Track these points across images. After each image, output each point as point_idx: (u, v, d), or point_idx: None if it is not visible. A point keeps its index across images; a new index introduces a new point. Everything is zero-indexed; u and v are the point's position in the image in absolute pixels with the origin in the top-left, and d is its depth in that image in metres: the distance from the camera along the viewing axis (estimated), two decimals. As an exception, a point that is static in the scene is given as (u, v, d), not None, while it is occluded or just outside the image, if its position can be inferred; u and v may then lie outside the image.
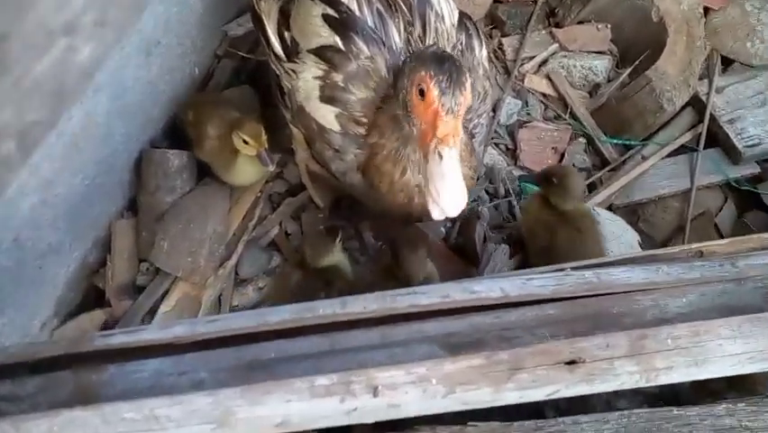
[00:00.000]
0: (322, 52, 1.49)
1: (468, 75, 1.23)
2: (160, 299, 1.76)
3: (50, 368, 1.02)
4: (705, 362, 0.97)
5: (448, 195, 1.15)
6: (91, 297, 1.84)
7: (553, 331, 1.04)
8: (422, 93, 1.20)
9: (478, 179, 1.98)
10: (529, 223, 1.75)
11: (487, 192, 2.03)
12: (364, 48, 1.47)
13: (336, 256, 1.64)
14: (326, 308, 1.08)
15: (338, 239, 1.62)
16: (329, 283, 1.58)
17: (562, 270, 1.17)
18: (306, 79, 1.52)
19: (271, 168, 1.74)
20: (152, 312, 1.75)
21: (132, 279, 1.81)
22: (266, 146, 1.70)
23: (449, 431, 1.03)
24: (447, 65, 1.22)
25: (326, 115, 1.50)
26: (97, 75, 1.48)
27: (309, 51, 1.52)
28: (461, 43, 1.56)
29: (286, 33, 1.59)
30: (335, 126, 1.49)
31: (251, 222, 1.86)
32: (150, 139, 1.87)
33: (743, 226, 2.01)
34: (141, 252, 1.80)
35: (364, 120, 1.46)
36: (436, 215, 1.18)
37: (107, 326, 1.77)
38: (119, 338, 1.07)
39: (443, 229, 1.93)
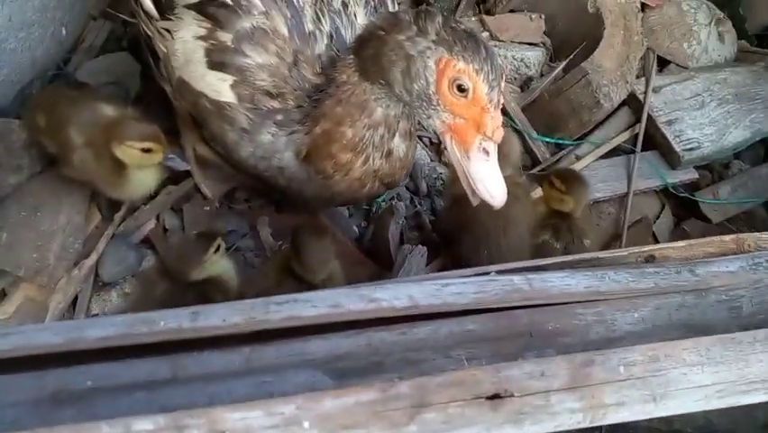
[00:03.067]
0: (203, 7, 1.22)
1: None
2: (-5, 304, 1.42)
3: None
4: (665, 397, 0.74)
5: (498, 190, 1.05)
6: None
7: (472, 353, 0.80)
8: (461, 89, 1.02)
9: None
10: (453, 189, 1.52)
11: (407, 189, 1.78)
12: (257, 1, 1.21)
13: (214, 267, 1.34)
14: (170, 321, 0.79)
15: (214, 248, 1.31)
16: (205, 297, 1.28)
17: (485, 273, 0.92)
18: (185, 40, 1.25)
19: (187, 167, 1.42)
20: (-17, 321, 1.41)
21: (-36, 280, 1.46)
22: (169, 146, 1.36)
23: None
24: (485, 50, 1.02)
25: (216, 85, 1.23)
26: None
27: (187, 7, 1.24)
28: (375, 0, 1.32)
29: None
30: (231, 99, 1.22)
31: (119, 213, 1.53)
32: (-3, 108, 1.53)
33: (683, 235, 1.85)
34: (-25, 245, 1.45)
35: (274, 91, 1.22)
36: (476, 202, 1.10)
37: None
38: None
39: (355, 229, 1.68)
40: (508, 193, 1.39)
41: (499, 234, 1.42)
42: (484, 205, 1.16)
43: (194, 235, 1.32)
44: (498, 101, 1.05)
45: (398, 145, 1.24)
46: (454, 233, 1.52)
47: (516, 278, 0.89)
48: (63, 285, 1.44)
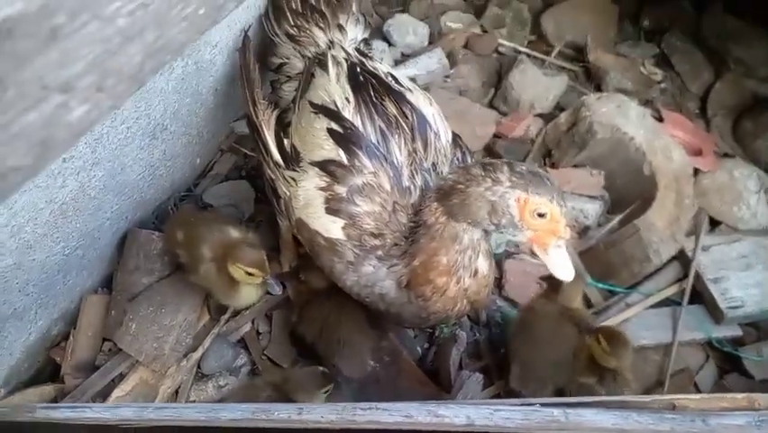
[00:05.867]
0: (325, 165, 1.53)
1: None
2: (116, 382, 1.69)
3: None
4: None
5: (570, 271, 1.37)
6: (47, 371, 1.77)
7: (514, 468, 1.00)
8: (541, 215, 1.32)
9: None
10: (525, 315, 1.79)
11: (468, 318, 2.00)
12: (368, 163, 1.51)
13: (314, 400, 1.58)
14: (282, 413, 1.03)
15: (325, 389, 1.57)
16: None
17: (530, 404, 1.13)
18: (307, 189, 1.55)
19: (279, 292, 1.72)
20: (104, 394, 1.67)
21: (92, 357, 1.75)
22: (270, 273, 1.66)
23: None
24: (549, 182, 1.33)
25: (329, 227, 1.51)
26: (99, 149, 1.51)
27: (311, 163, 1.56)
28: (458, 159, 1.62)
29: (285, 141, 1.64)
30: (341, 236, 1.50)
31: (225, 315, 1.82)
32: (140, 219, 1.88)
33: (722, 389, 1.96)
34: (107, 331, 1.75)
35: (376, 232, 1.49)
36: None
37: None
38: (62, 413, 1.02)
39: (419, 349, 1.89)
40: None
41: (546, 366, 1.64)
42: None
43: (320, 371, 1.59)
44: (565, 211, 1.34)
45: (482, 264, 1.49)
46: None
47: (556, 411, 1.09)
48: (172, 372, 1.71)
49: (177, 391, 1.72)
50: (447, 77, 2.64)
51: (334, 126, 1.55)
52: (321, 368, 1.60)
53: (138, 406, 1.02)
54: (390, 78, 1.69)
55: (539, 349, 1.66)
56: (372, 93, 1.61)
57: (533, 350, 1.67)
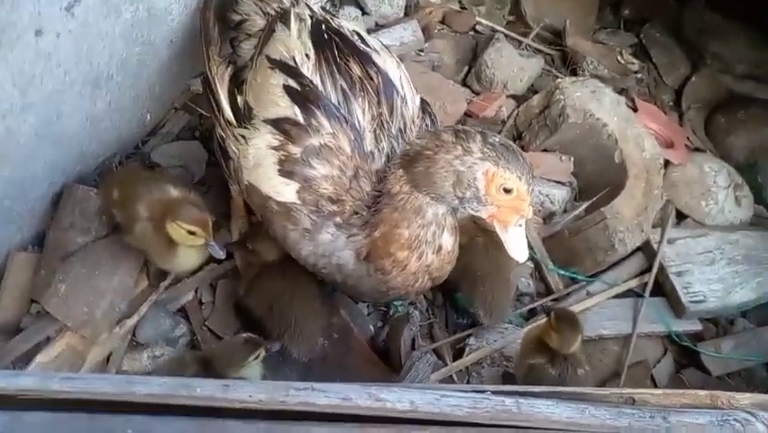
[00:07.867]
0: (279, 123, 1.43)
1: None
2: (40, 347, 1.56)
3: None
4: None
5: (525, 252, 1.35)
6: (-34, 332, 1.63)
7: (458, 460, 0.91)
8: (507, 190, 1.27)
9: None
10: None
11: (426, 298, 1.92)
12: (326, 123, 1.41)
13: (248, 371, 1.47)
14: (205, 389, 0.93)
15: (254, 355, 1.46)
16: None
17: (482, 391, 1.04)
18: (258, 147, 1.45)
19: (223, 256, 1.59)
20: (27, 359, 1.55)
21: (18, 319, 1.63)
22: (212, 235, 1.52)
23: None
24: (521, 158, 1.26)
25: (281, 189, 1.41)
26: (30, 92, 1.37)
27: (265, 121, 1.45)
28: (427, 126, 1.54)
29: (238, 98, 1.53)
30: (296, 201, 1.40)
31: (164, 282, 1.70)
32: (80, 174, 1.74)
33: (679, 383, 1.93)
34: (35, 291, 1.62)
35: (335, 198, 1.40)
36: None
37: (-26, 368, 1.56)
38: (-47, 380, 0.90)
39: (371, 328, 1.80)
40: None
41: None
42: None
43: (242, 339, 1.47)
44: (532, 190, 1.29)
45: (447, 240, 1.41)
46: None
47: (508, 400, 1.01)
48: (103, 340, 1.59)
49: (108, 360, 1.60)
50: (421, 50, 2.54)
51: (291, 83, 1.45)
52: (243, 335, 1.48)
53: (42, 375, 0.91)
54: (356, 38, 1.58)
55: (486, 281, 1.72)
56: (336, 52, 1.51)
57: (484, 284, 1.72)
